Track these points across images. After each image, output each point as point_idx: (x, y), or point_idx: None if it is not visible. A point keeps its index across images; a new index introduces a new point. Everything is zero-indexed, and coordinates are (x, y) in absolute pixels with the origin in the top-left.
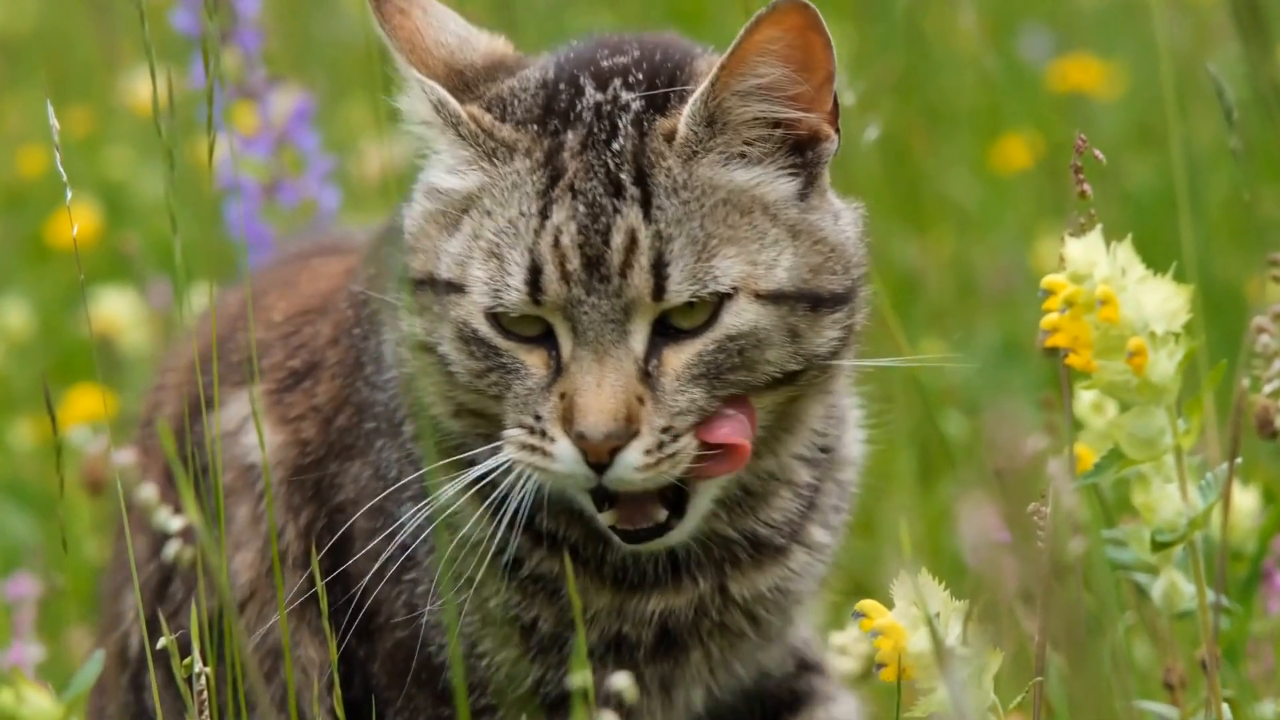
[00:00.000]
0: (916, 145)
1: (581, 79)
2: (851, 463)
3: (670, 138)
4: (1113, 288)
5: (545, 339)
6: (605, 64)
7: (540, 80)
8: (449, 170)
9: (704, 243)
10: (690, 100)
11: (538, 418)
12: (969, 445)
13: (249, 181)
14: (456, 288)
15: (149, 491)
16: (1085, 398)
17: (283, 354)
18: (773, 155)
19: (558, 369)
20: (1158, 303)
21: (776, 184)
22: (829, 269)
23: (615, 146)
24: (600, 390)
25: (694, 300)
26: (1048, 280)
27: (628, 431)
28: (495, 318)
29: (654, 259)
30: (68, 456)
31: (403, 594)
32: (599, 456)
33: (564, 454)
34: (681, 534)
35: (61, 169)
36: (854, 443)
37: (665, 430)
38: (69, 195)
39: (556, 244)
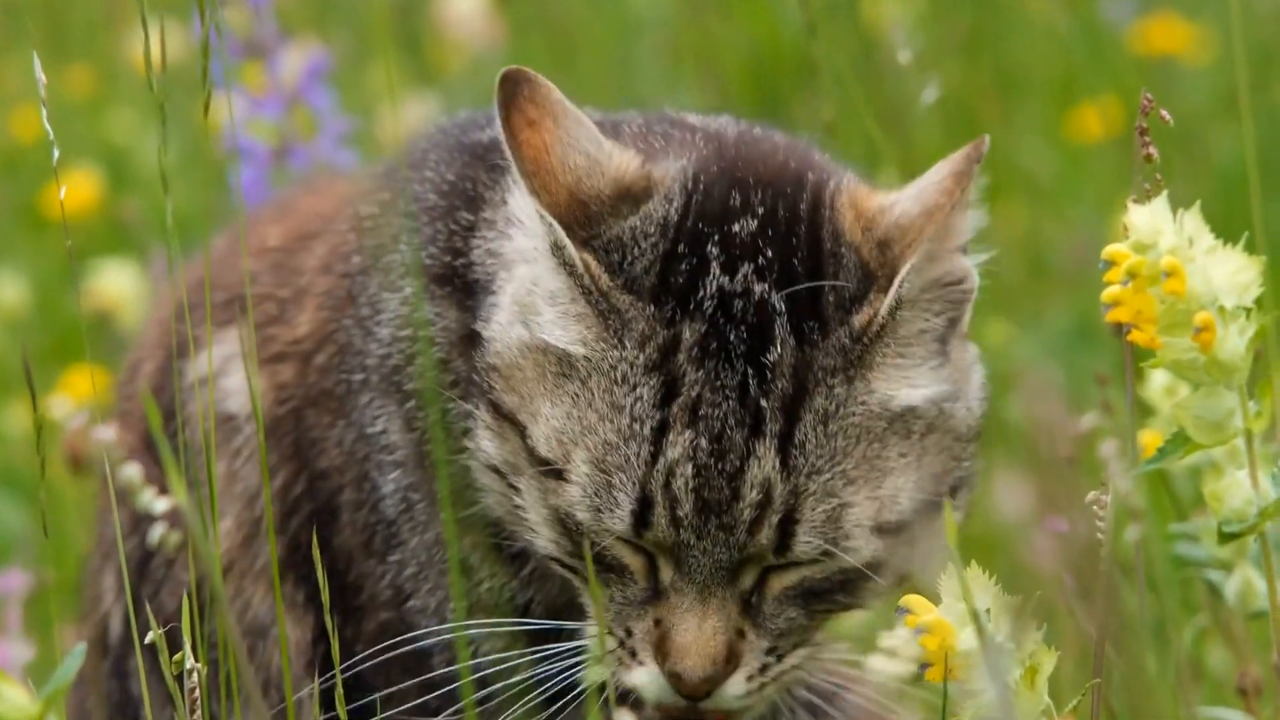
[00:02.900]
0: (985, 111)
1: (708, 246)
2: None
3: (859, 337)
4: (1179, 258)
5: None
6: (735, 228)
7: (662, 223)
8: (559, 316)
9: (839, 489)
10: (890, 292)
11: (628, 633)
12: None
13: (257, 144)
14: (556, 473)
15: (132, 471)
16: (1157, 380)
17: (272, 282)
18: (941, 323)
19: (655, 588)
20: (1228, 275)
21: (927, 370)
22: (954, 458)
23: (769, 358)
24: (702, 632)
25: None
26: (1109, 250)
27: (727, 671)
28: None
29: (784, 514)
30: (55, 436)
31: (387, 574)
32: (694, 693)
33: (650, 679)
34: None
35: (48, 125)
36: None
37: (770, 652)
38: (56, 155)
39: (668, 485)
